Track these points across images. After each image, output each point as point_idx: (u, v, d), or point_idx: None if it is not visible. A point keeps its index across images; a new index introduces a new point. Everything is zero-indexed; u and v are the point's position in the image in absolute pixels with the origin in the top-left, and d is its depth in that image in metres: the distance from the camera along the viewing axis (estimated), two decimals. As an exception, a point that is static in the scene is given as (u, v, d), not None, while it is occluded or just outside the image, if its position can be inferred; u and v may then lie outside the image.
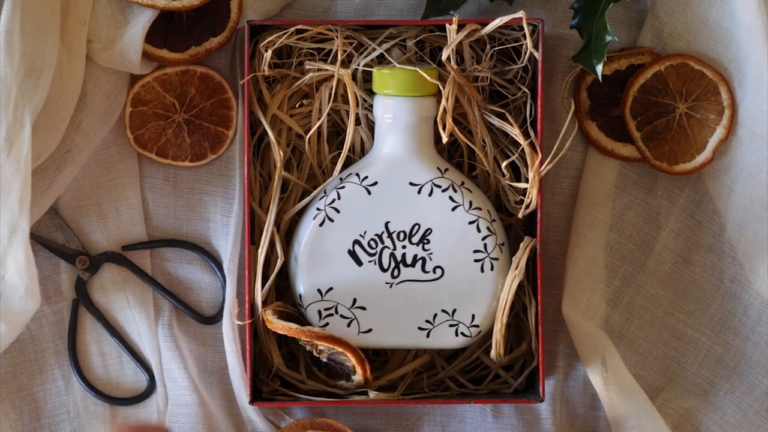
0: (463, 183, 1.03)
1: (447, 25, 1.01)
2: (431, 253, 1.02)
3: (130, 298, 1.09)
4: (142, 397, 1.09)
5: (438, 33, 1.06)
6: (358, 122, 1.07)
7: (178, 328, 1.09)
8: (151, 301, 1.09)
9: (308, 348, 1.03)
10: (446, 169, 1.03)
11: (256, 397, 1.05)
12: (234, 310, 1.06)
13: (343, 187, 1.02)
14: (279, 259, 1.04)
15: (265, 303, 1.04)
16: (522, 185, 1.04)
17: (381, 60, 1.06)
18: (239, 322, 1.05)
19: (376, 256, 1.02)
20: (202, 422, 1.07)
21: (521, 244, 1.03)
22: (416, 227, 1.02)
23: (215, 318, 1.09)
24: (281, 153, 1.04)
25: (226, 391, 1.10)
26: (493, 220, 1.03)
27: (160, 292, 1.09)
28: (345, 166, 1.05)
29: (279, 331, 1.02)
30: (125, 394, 1.10)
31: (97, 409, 1.09)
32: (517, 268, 1.02)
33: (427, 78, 1.01)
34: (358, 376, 1.03)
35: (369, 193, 1.02)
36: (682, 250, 1.09)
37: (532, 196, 1.03)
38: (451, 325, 1.03)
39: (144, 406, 1.10)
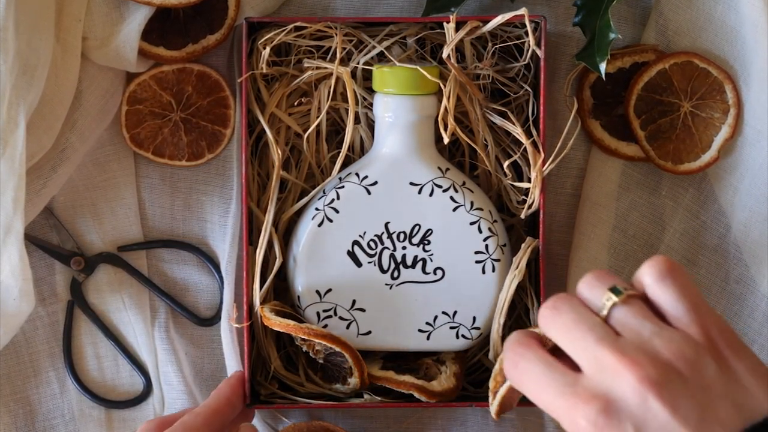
0: (464, 183, 1.02)
1: (444, 24, 1.01)
2: (432, 254, 1.02)
3: (126, 299, 1.08)
4: (138, 400, 1.09)
5: (439, 30, 1.05)
6: (357, 121, 1.06)
7: (174, 330, 1.09)
8: (148, 302, 1.08)
9: (305, 349, 1.02)
10: (447, 169, 1.02)
11: (254, 399, 1.04)
12: (233, 314, 1.05)
13: (343, 186, 1.01)
14: (277, 260, 1.03)
15: (263, 304, 1.03)
16: (524, 185, 1.03)
17: (381, 58, 1.05)
18: (237, 325, 1.04)
19: (376, 257, 1.02)
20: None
21: (522, 245, 1.02)
22: (417, 228, 1.01)
23: (212, 320, 1.09)
24: (279, 152, 1.03)
25: (223, 394, 1.09)
26: (495, 221, 1.02)
27: (156, 293, 1.08)
28: (344, 165, 1.04)
29: (276, 328, 1.01)
30: (121, 396, 1.09)
31: (93, 413, 1.09)
32: (517, 268, 1.01)
33: (428, 76, 1.00)
34: (354, 379, 1.02)
35: (369, 193, 1.01)
36: (686, 250, 1.08)
37: (535, 196, 1.02)
38: (451, 327, 1.03)
39: (140, 409, 1.09)
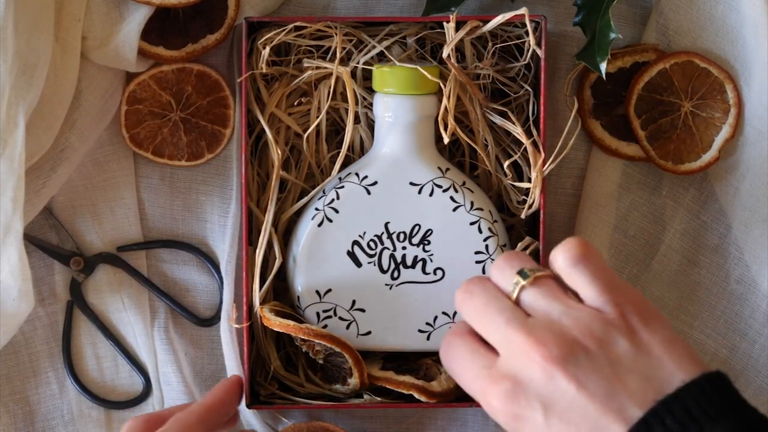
0: (464, 183, 1.01)
1: (444, 23, 1.00)
2: (432, 255, 1.01)
3: (126, 299, 1.08)
4: (137, 400, 1.08)
5: (439, 30, 1.05)
6: (357, 121, 1.06)
7: (174, 331, 1.08)
8: (147, 302, 1.08)
9: (305, 349, 1.02)
10: (447, 169, 1.02)
11: (253, 400, 1.04)
12: (233, 314, 1.05)
13: (342, 186, 1.01)
14: (277, 260, 1.03)
15: (263, 304, 1.03)
16: (524, 185, 1.03)
17: (381, 58, 1.05)
18: (237, 326, 1.04)
19: (376, 257, 1.01)
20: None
21: (519, 244, 1.02)
22: (416, 228, 1.01)
23: (212, 320, 1.08)
24: (279, 152, 1.03)
25: (222, 395, 1.09)
26: (495, 221, 1.02)
27: (156, 293, 1.08)
28: (344, 165, 1.04)
29: (276, 329, 1.01)
30: (120, 397, 1.09)
31: (92, 413, 1.08)
32: None
33: (428, 76, 1.00)
34: (354, 379, 1.02)
35: (368, 193, 1.01)
36: (687, 251, 1.08)
37: (535, 196, 1.02)
38: (452, 328, 1.02)
39: (140, 409, 1.09)
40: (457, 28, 1.00)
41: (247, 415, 1.07)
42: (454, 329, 0.85)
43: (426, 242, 1.01)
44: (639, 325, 0.78)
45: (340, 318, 1.02)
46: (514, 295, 0.81)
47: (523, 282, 0.81)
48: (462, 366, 0.82)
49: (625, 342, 0.78)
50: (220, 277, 1.07)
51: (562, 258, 0.81)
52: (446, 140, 1.00)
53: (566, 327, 0.78)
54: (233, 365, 1.05)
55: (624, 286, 0.80)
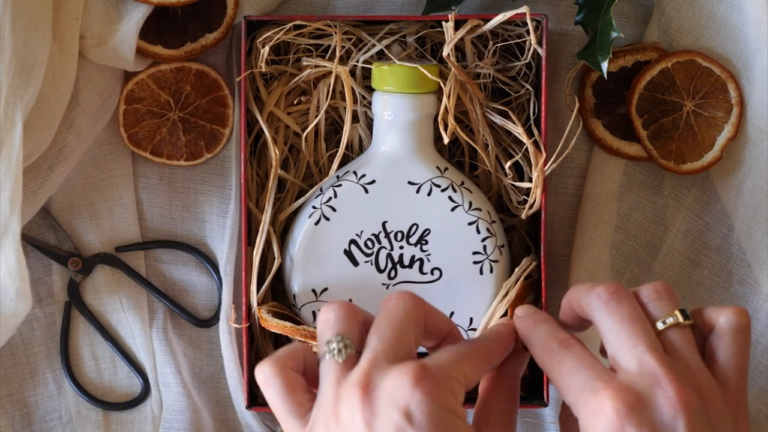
0: (463, 183, 1.01)
1: (443, 22, 1.00)
2: (429, 254, 1.01)
3: (124, 300, 1.07)
4: (136, 402, 1.08)
5: (439, 29, 1.04)
6: (356, 119, 1.05)
7: (172, 331, 1.08)
8: (146, 303, 1.08)
9: (303, 350, 1.02)
10: (446, 169, 1.01)
11: (252, 401, 1.03)
12: (232, 314, 1.04)
13: (340, 185, 1.01)
14: (276, 261, 1.02)
15: (261, 305, 1.03)
16: (525, 185, 1.02)
17: (381, 56, 1.04)
18: (236, 326, 1.04)
19: (373, 257, 1.01)
20: (197, 428, 1.06)
21: (516, 270, 1.01)
22: (414, 227, 1.01)
23: (211, 321, 1.08)
24: (277, 151, 1.02)
25: (221, 396, 1.08)
26: (493, 222, 1.01)
27: (154, 294, 1.08)
28: (343, 164, 1.03)
29: (273, 330, 1.00)
30: (119, 398, 1.08)
31: (90, 414, 1.08)
32: (506, 295, 1.01)
33: (428, 75, 1.00)
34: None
35: (366, 191, 1.01)
36: (689, 251, 1.07)
37: (536, 196, 1.01)
38: (450, 328, 1.02)
39: (138, 411, 1.08)
40: (458, 27, 1.00)
41: (246, 416, 1.07)
42: (567, 337, 0.85)
43: (423, 242, 1.01)
44: (741, 416, 0.82)
45: (338, 318, 1.02)
46: (662, 326, 0.83)
47: (682, 321, 0.83)
48: (583, 363, 0.82)
49: (731, 425, 0.81)
50: (219, 278, 1.07)
51: (729, 319, 0.84)
52: (446, 140, 1.00)
53: (699, 382, 0.81)
54: (232, 366, 1.05)
55: (747, 377, 0.84)
